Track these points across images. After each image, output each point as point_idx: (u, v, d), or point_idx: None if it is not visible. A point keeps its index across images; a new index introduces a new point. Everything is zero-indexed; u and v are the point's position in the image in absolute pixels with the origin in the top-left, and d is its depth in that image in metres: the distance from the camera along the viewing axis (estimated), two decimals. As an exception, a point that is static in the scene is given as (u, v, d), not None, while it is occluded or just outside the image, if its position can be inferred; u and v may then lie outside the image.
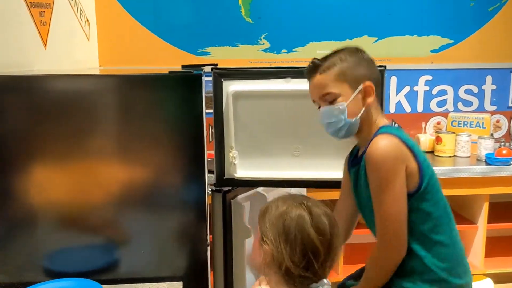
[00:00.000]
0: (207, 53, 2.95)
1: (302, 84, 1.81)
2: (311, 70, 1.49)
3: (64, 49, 2.23)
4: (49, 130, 1.40)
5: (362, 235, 3.04)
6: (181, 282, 1.46)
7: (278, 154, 1.87)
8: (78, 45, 2.52)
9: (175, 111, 1.42)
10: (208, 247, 1.53)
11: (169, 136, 1.44)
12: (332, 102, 1.45)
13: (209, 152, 1.94)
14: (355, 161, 1.55)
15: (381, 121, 1.49)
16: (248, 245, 1.82)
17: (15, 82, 1.38)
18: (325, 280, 1.11)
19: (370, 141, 1.42)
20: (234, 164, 1.88)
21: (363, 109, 1.45)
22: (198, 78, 1.38)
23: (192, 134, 1.43)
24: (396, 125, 3.13)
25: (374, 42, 3.00)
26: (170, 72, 1.37)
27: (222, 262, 1.86)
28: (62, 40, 2.19)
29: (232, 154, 1.88)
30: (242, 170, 1.89)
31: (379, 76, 1.51)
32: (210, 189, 1.94)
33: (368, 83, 1.43)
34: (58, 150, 1.42)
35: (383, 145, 1.38)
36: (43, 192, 1.43)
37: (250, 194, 1.99)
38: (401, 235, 1.38)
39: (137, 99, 1.40)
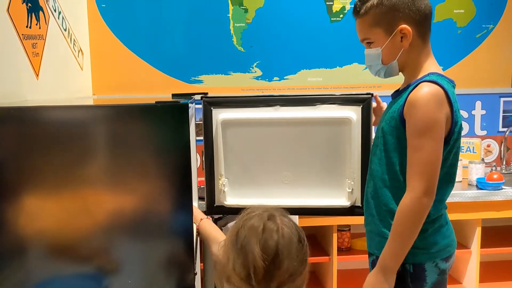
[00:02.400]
0: (200, 81, 3.00)
1: (290, 112, 1.85)
2: (353, 14, 1.55)
3: (57, 79, 2.26)
4: (37, 160, 1.41)
5: (356, 261, 3.05)
6: (168, 312, 1.45)
7: (267, 182, 1.89)
8: (71, 75, 2.55)
9: (162, 141, 1.43)
10: (196, 275, 1.53)
11: (157, 165, 1.45)
12: (370, 46, 1.52)
13: (201, 179, 1.95)
14: (394, 94, 1.59)
15: (430, 65, 1.50)
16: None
17: (4, 112, 1.39)
18: None
19: (414, 85, 1.44)
20: (224, 191, 1.89)
21: (400, 53, 1.48)
22: (185, 107, 1.40)
23: (179, 163, 1.44)
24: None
25: (364, 69, 3.05)
26: (156, 102, 1.39)
27: (213, 289, 1.86)
28: (55, 70, 2.22)
29: (222, 181, 1.89)
30: (232, 197, 1.90)
31: (424, 17, 1.48)
32: (200, 219, 1.94)
33: (403, 26, 1.45)
34: (46, 179, 1.42)
35: (427, 92, 1.40)
36: (31, 221, 1.43)
37: (241, 221, 1.99)
38: (433, 182, 1.40)
39: (125, 129, 1.42)
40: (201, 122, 1.91)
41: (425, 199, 1.39)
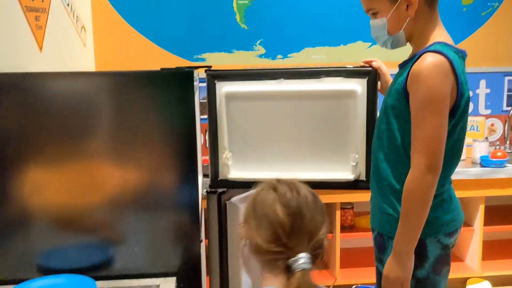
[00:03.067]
0: (203, 59, 2.98)
1: (294, 85, 1.83)
2: None
3: (60, 54, 2.25)
4: (41, 129, 1.41)
5: (358, 239, 3.06)
6: (174, 278, 1.46)
7: (271, 155, 1.88)
8: (74, 51, 2.54)
9: (167, 109, 1.43)
10: (202, 243, 1.53)
11: (162, 133, 1.45)
12: (375, 16, 1.49)
13: (205, 158, 1.95)
14: (401, 65, 1.53)
15: (438, 35, 1.45)
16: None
17: (8, 80, 1.39)
18: (301, 255, 1.06)
19: (418, 56, 1.39)
20: (228, 165, 1.89)
21: (406, 22, 1.44)
22: (190, 74, 1.39)
23: (185, 130, 1.44)
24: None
25: (368, 47, 3.04)
26: (162, 69, 1.39)
27: (218, 264, 1.87)
28: (58, 45, 2.21)
29: (226, 155, 1.89)
30: (235, 171, 1.89)
31: None
32: (205, 191, 1.95)
33: None
34: (50, 149, 1.42)
35: (430, 63, 1.34)
36: (36, 191, 1.44)
37: (246, 196, 1.99)
38: (437, 158, 1.35)
39: (130, 97, 1.42)
40: (205, 100, 1.89)
41: (429, 176, 1.35)
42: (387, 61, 3.09)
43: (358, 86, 1.77)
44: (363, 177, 1.83)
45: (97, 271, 1.45)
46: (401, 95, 1.42)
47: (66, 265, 1.45)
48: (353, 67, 1.83)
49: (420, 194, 1.37)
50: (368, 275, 2.76)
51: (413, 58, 1.42)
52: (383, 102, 1.54)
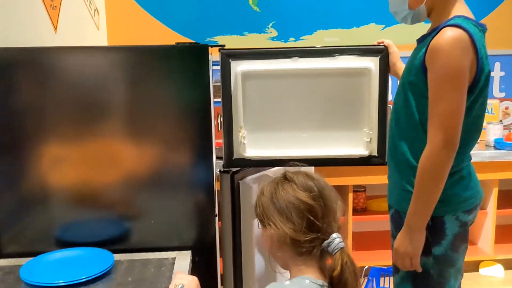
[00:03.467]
0: (215, 42, 2.98)
1: (309, 63, 1.83)
2: None
3: (74, 35, 2.26)
4: (58, 105, 1.42)
5: (370, 222, 3.06)
6: (189, 252, 1.47)
7: (286, 133, 1.88)
8: (87, 33, 2.56)
9: (183, 83, 1.43)
10: (216, 218, 1.55)
11: (178, 108, 1.45)
12: None
13: (218, 141, 1.96)
14: (419, 40, 1.51)
15: (458, 9, 1.42)
16: (256, 225, 1.83)
17: (25, 55, 1.40)
18: (334, 235, 1.09)
19: (438, 30, 1.36)
20: (244, 143, 1.88)
21: None
22: (205, 48, 1.40)
23: (200, 105, 1.45)
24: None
25: (382, 29, 3.01)
26: (176, 43, 1.39)
27: (231, 244, 1.88)
28: (72, 26, 2.22)
29: (242, 133, 1.88)
30: (251, 149, 1.89)
31: None
32: (218, 170, 1.96)
33: None
34: (67, 124, 1.43)
35: (450, 37, 1.31)
36: (54, 166, 1.45)
37: (258, 176, 2.00)
38: (454, 133, 1.33)
39: (145, 72, 1.42)
40: (217, 83, 1.89)
41: (445, 152, 1.33)
42: (399, 44, 3.07)
43: (371, 64, 1.78)
44: (375, 153, 1.84)
45: (114, 244, 1.47)
46: (420, 71, 1.40)
47: (84, 239, 1.47)
48: (366, 46, 1.84)
49: (435, 169, 1.35)
50: (380, 257, 2.77)
51: (432, 33, 1.40)
52: (400, 79, 1.53)
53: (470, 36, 1.32)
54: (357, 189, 2.92)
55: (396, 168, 1.53)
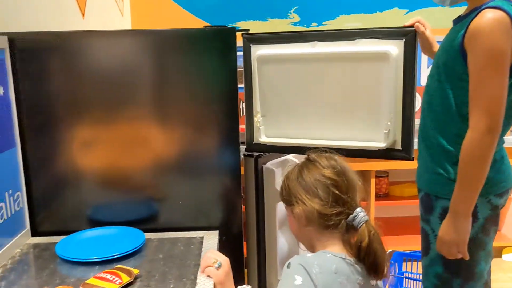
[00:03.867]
0: (237, 28, 2.98)
1: (328, 48, 1.76)
2: None
3: (100, 22, 2.30)
4: (88, 88, 1.45)
5: (393, 207, 3.06)
6: (217, 231, 1.51)
7: (302, 120, 1.79)
8: (113, 20, 2.59)
9: (209, 67, 1.45)
10: (242, 199, 1.57)
11: (205, 91, 1.47)
12: None
13: (242, 127, 1.96)
14: (455, 20, 1.48)
15: None
16: (279, 209, 1.85)
17: (56, 39, 1.43)
18: (358, 209, 1.13)
19: (477, 12, 1.33)
20: (259, 129, 1.85)
21: None
22: (232, 31, 1.41)
23: (227, 87, 1.47)
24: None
25: (405, 14, 2.98)
26: (204, 27, 1.41)
27: (255, 228, 1.90)
28: (99, 12, 2.26)
29: (257, 118, 1.85)
30: (265, 135, 1.84)
31: None
32: (242, 154, 1.98)
33: None
34: (96, 108, 1.47)
35: (491, 19, 1.29)
36: (85, 149, 1.49)
37: (282, 160, 2.01)
38: (498, 118, 1.31)
39: (173, 55, 1.44)
40: (240, 69, 1.87)
41: (488, 137, 1.31)
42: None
43: (394, 48, 1.62)
44: (398, 146, 1.68)
45: (144, 224, 1.51)
46: (458, 53, 1.37)
47: (114, 218, 1.51)
48: (390, 28, 1.68)
49: (480, 155, 1.33)
50: (402, 242, 2.77)
51: (471, 14, 1.37)
52: (434, 60, 1.50)
53: (511, 18, 1.29)
54: (380, 174, 2.92)
55: (427, 151, 1.52)
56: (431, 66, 1.56)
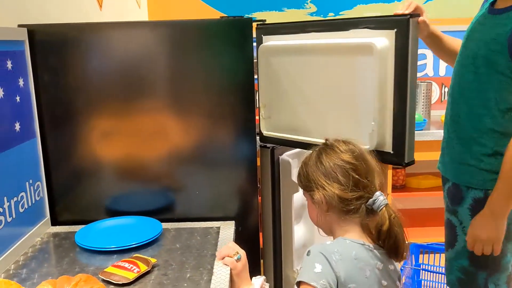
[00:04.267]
0: (253, 18, 2.97)
1: (323, 38, 1.55)
2: None
3: (118, 13, 2.31)
4: (106, 80, 1.47)
5: (409, 199, 3.04)
6: (233, 222, 1.52)
7: (298, 114, 1.68)
8: (129, 12, 2.60)
9: (226, 57, 1.45)
10: (258, 190, 1.58)
11: (221, 82, 1.47)
12: None
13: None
14: (492, 9, 1.41)
15: None
16: (295, 200, 1.85)
17: (76, 31, 1.44)
18: (377, 193, 1.14)
19: None
20: (264, 121, 1.79)
21: None
22: (248, 22, 1.41)
23: (244, 78, 1.47)
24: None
25: (425, 2, 2.94)
26: (221, 17, 1.41)
27: (271, 217, 1.91)
28: (116, 4, 2.27)
29: (263, 111, 1.80)
30: (266, 128, 1.77)
31: None
32: (258, 145, 1.98)
33: None
34: (114, 99, 1.48)
35: None
36: (104, 139, 1.51)
37: (298, 152, 2.00)
38: None
39: (190, 46, 1.44)
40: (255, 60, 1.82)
41: None
42: (444, 17, 2.99)
43: (384, 39, 1.39)
44: (388, 149, 1.42)
45: (161, 214, 1.53)
46: (505, 47, 1.32)
47: (132, 208, 1.53)
48: (381, 17, 1.43)
49: None
50: (420, 234, 2.75)
51: None
52: (467, 50, 1.44)
53: None
54: (397, 166, 2.89)
55: (458, 142, 1.48)
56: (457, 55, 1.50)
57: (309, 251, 1.11)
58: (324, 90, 1.57)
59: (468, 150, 1.45)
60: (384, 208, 1.12)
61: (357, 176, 1.13)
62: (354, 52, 1.45)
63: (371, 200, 1.13)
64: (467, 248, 1.45)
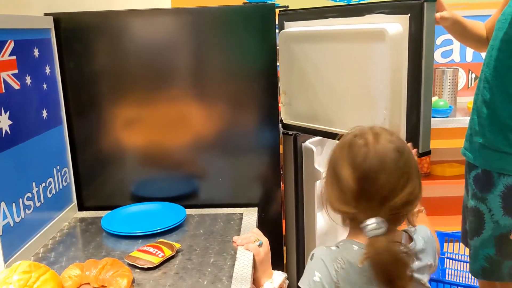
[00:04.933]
0: (276, 4, 2.95)
1: (339, 24, 1.52)
2: None
3: (141, 0, 2.32)
4: (129, 67, 1.48)
5: (434, 187, 2.99)
6: (256, 208, 1.52)
7: (316, 103, 1.65)
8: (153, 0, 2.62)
9: (249, 43, 1.45)
10: (281, 177, 1.58)
11: (244, 69, 1.47)
12: None
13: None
14: None
15: None
16: (318, 187, 1.84)
17: (100, 19, 1.45)
18: (370, 220, 0.97)
19: None
20: (283, 107, 1.78)
21: None
22: (271, 8, 1.40)
23: (267, 65, 1.46)
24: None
25: (451, -13, 2.87)
26: (244, 3, 1.40)
27: (294, 207, 1.91)
28: (139, -9, 2.28)
29: (283, 98, 1.79)
30: (289, 115, 1.78)
31: None
32: (281, 132, 1.97)
33: None
34: (138, 87, 1.49)
35: None
36: (128, 126, 1.53)
37: (321, 139, 1.98)
38: None
39: (213, 32, 1.44)
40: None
41: None
42: (466, 1, 2.91)
43: (397, 25, 1.34)
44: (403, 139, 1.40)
45: (185, 200, 1.54)
46: None
47: (156, 194, 1.55)
48: (393, 1, 1.37)
49: None
50: (444, 222, 2.71)
51: None
52: (502, 34, 1.39)
53: None
54: (421, 153, 2.85)
55: (490, 128, 1.44)
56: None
57: (312, 255, 1.04)
58: (341, 77, 1.53)
59: (503, 136, 1.41)
60: (371, 239, 0.96)
61: (350, 198, 1.00)
62: (367, 38, 1.42)
63: (362, 225, 0.98)
64: (493, 235, 1.43)
